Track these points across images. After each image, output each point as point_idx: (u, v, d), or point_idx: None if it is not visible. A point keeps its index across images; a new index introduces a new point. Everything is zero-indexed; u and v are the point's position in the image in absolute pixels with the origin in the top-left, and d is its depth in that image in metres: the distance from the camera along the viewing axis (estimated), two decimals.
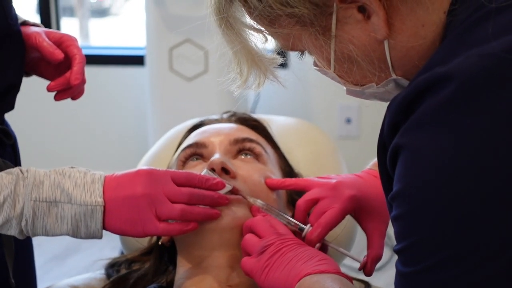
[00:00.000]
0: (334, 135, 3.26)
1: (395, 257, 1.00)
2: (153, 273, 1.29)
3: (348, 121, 3.33)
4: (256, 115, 1.45)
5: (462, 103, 0.72)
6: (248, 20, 0.92)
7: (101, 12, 5.25)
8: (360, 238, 1.20)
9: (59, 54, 1.25)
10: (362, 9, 0.83)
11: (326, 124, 3.20)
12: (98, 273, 1.41)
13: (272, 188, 1.25)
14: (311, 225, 1.16)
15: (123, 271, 1.34)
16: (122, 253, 2.62)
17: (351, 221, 1.30)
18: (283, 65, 3.57)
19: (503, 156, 0.70)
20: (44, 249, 2.92)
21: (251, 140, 1.31)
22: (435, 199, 0.73)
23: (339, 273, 1.02)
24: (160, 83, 2.95)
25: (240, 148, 1.30)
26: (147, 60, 2.99)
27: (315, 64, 0.95)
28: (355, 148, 3.20)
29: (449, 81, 0.73)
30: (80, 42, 1.34)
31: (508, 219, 0.70)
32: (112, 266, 1.37)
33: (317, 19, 0.85)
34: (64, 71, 1.28)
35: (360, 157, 2.70)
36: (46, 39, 1.26)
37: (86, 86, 1.31)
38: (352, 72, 0.90)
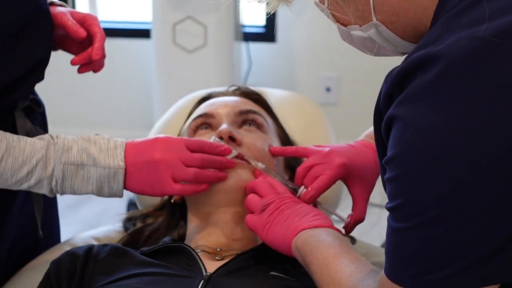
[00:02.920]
0: (316, 102, 3.25)
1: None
2: (165, 227, 1.30)
3: (328, 90, 3.32)
4: (256, 89, 1.44)
5: (449, 82, 0.71)
6: None
7: None
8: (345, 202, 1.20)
9: (82, 32, 1.23)
10: None
11: (308, 93, 3.19)
12: (117, 226, 1.41)
13: (275, 154, 1.26)
14: (305, 187, 1.17)
15: (139, 225, 1.35)
16: (130, 204, 2.62)
17: (337, 185, 1.30)
18: (272, 39, 3.54)
19: (483, 132, 0.70)
20: (58, 200, 2.91)
21: (254, 112, 1.31)
22: (425, 164, 0.72)
23: (331, 227, 1.03)
24: (164, 55, 2.96)
25: (244, 119, 1.30)
26: (153, 34, 3.00)
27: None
28: (334, 114, 3.20)
29: (439, 61, 0.72)
30: None
31: (489, 185, 0.70)
32: (129, 220, 1.38)
33: None
34: (86, 46, 1.27)
35: (339, 122, 2.71)
36: (71, 18, 1.24)
37: None
38: (341, 9, 0.87)
